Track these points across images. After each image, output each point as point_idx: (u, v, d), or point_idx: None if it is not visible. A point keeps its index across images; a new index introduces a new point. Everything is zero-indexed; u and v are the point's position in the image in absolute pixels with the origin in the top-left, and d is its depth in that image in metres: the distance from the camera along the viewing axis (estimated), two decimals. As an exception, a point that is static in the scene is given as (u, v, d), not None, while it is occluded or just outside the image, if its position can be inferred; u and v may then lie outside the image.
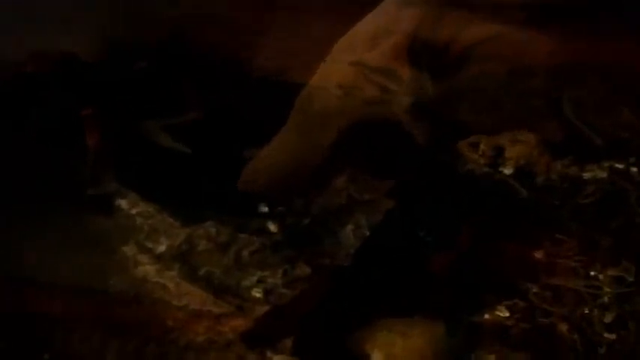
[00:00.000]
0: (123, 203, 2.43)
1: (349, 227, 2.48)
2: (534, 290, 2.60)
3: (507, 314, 2.55)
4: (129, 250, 2.39)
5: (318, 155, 2.72)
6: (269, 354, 2.37)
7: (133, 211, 2.43)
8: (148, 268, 2.37)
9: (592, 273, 2.51)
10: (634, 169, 2.67)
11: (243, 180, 2.59)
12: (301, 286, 2.38)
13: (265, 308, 2.34)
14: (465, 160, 2.84)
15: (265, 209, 2.54)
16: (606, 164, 2.70)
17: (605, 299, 2.46)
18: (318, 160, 2.70)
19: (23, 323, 2.47)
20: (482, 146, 2.86)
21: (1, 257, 2.40)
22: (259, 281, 2.38)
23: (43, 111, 2.45)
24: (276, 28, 3.05)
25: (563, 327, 2.43)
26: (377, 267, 2.47)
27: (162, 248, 2.40)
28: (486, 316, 2.55)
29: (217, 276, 2.37)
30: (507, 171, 2.80)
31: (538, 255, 2.66)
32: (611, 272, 2.50)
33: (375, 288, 2.46)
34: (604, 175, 2.68)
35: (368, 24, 2.99)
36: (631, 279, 2.47)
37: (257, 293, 2.36)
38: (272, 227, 2.48)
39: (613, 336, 2.39)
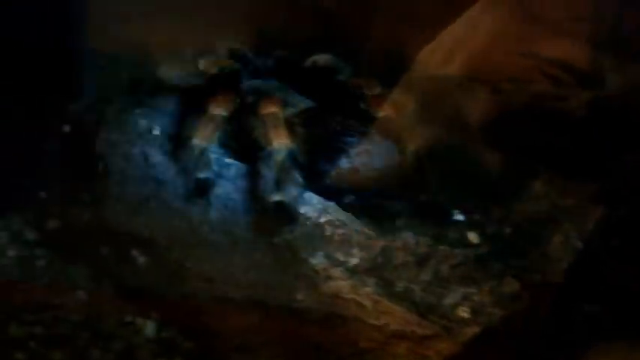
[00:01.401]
0: (310, 211, 2.20)
1: (557, 238, 2.22)
2: None
3: None
4: (317, 262, 2.16)
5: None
6: (476, 380, 2.13)
7: (322, 220, 2.20)
8: (340, 283, 2.14)
9: None
10: None
11: None
12: (511, 304, 2.13)
13: (474, 330, 2.09)
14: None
15: (461, 217, 2.29)
16: None
17: None
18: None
19: (201, 341, 2.28)
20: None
21: (179, 272, 2.19)
22: (464, 298, 2.13)
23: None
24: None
25: None
26: (594, 283, 2.21)
27: (355, 261, 2.16)
28: None
29: (417, 292, 2.13)
30: None
31: None
32: None
33: (594, 307, 2.21)
34: None
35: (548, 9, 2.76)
36: None
37: (464, 313, 2.12)
38: (473, 237, 2.24)
39: None
